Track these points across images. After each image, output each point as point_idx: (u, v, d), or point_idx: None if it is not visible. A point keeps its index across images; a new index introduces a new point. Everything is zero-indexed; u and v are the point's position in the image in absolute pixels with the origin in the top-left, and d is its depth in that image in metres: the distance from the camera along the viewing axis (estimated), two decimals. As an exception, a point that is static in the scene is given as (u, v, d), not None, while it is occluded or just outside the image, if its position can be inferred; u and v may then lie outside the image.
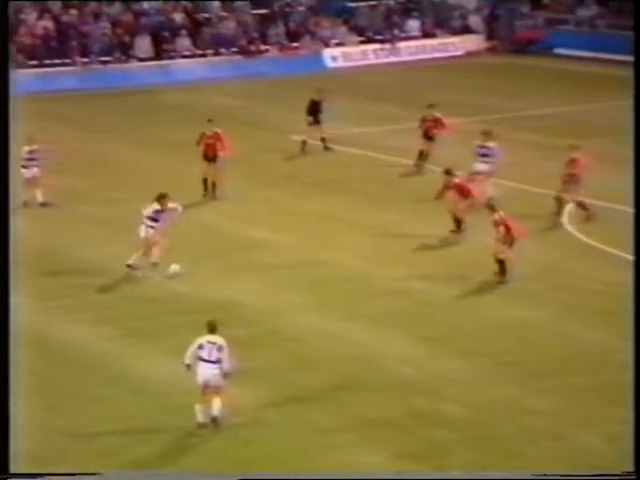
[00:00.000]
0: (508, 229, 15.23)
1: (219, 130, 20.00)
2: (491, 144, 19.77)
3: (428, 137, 21.62)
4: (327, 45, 36.80)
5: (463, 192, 17.06)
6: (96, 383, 12.18)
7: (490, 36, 39.66)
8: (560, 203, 18.55)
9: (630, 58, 38.28)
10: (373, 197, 19.85)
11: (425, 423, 11.17)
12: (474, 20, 40.09)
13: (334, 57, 36.58)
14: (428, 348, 13.10)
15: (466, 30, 39.52)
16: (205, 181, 19.96)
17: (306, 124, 23.41)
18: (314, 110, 23.38)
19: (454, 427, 11.07)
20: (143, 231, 15.62)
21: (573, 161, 18.52)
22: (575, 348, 13.13)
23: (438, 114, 21.83)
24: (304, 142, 23.58)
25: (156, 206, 15.61)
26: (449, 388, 11.98)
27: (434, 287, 15.16)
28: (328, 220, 18.49)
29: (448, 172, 17.80)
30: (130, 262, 15.56)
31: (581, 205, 18.46)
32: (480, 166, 19.35)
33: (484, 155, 19.65)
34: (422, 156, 21.61)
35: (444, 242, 16.91)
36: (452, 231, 17.18)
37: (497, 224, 15.31)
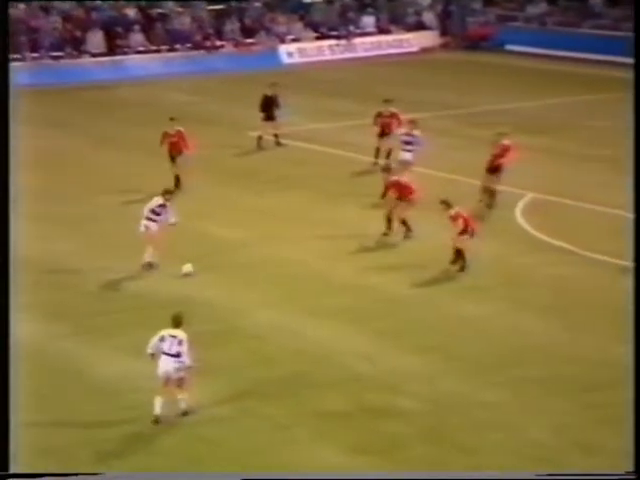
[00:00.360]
0: (466, 222, 15.48)
1: (181, 128, 20.06)
2: (416, 132, 19.95)
3: (385, 134, 21.41)
4: (283, 41, 36.84)
5: (402, 190, 16.83)
6: (49, 380, 12.10)
7: (443, 32, 40.08)
8: (491, 193, 18.62)
9: (579, 55, 39.07)
10: (330, 193, 19.93)
11: (380, 418, 11.28)
12: (428, 17, 40.47)
13: (290, 53, 36.64)
14: (384, 343, 13.21)
15: (420, 26, 39.88)
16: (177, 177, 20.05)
17: (260, 120, 23.39)
18: (268, 105, 23.33)
19: (409, 421, 11.21)
20: (143, 226, 15.56)
21: (504, 149, 18.64)
22: (527, 341, 13.32)
23: (394, 109, 21.81)
24: (260, 138, 23.59)
25: (160, 200, 15.63)
26: (404, 383, 12.10)
27: (391, 283, 15.28)
28: (286, 217, 18.54)
29: (385, 169, 17.85)
30: (148, 260, 15.47)
31: (492, 194, 18.60)
32: (405, 155, 19.48)
33: (408, 143, 19.81)
34: (380, 152, 21.36)
35: (398, 238, 17.03)
36: (384, 234, 16.91)
37: (455, 219, 15.52)
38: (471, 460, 10.40)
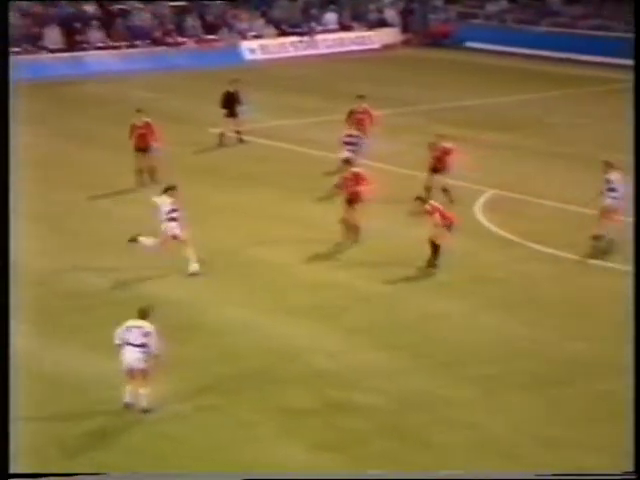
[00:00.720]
0: (443, 215, 15.44)
1: (149, 120, 19.98)
2: (355, 132, 20.05)
3: (357, 130, 20.87)
4: (245, 38, 36.72)
5: (359, 181, 16.58)
6: (21, 379, 11.91)
7: (405, 30, 40.27)
8: (444, 191, 18.56)
9: (538, 52, 39.60)
10: (294, 190, 19.84)
11: (346, 415, 11.26)
12: (390, 14, 40.63)
13: (252, 49, 36.54)
14: (351, 340, 13.19)
15: (382, 24, 40.01)
16: (140, 172, 19.88)
17: (223, 116, 23.24)
18: (230, 102, 23.18)
19: (374, 418, 11.18)
20: (163, 227, 15.18)
21: (444, 151, 18.62)
22: (493, 338, 13.32)
23: (366, 105, 21.61)
24: (222, 135, 23.48)
25: (169, 199, 15.26)
26: (370, 380, 12.08)
27: (355, 280, 15.25)
28: (251, 214, 18.43)
29: (346, 161, 17.67)
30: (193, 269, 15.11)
31: (445, 191, 18.60)
32: (345, 154, 19.51)
33: (349, 144, 19.85)
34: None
35: (366, 235, 16.96)
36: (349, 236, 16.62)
37: (431, 213, 15.48)
38: (436, 457, 10.39)
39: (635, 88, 9.62)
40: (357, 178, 16.81)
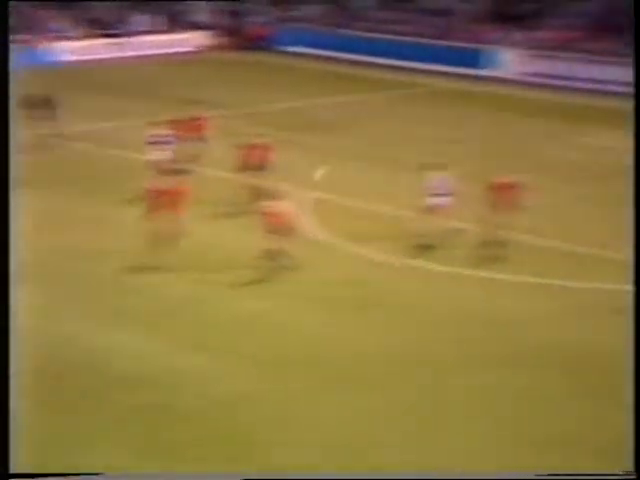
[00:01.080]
0: (278, 219, 15.08)
1: None
2: (165, 131, 20.09)
3: (198, 138, 20.85)
4: (55, 39, 35.57)
5: (169, 188, 16.01)
6: None
7: (222, 32, 40.39)
8: (258, 192, 18.27)
9: (348, 55, 40.72)
10: (109, 193, 19.40)
11: (164, 419, 11.12)
12: (206, 16, 40.63)
13: (64, 51, 35.48)
14: (167, 344, 13.03)
15: (199, 26, 39.94)
16: None
17: (35, 119, 22.63)
18: (40, 105, 22.69)
19: (194, 421, 11.09)
20: None
21: (259, 150, 18.79)
22: (310, 338, 13.42)
23: (202, 112, 21.63)
24: (37, 138, 22.75)
25: None
26: (188, 383, 11.98)
27: (175, 283, 15.08)
28: (62, 219, 17.91)
29: (167, 172, 17.66)
30: None
31: (257, 190, 18.59)
32: (152, 155, 19.61)
33: (157, 143, 19.89)
34: (193, 158, 20.72)
35: (187, 239, 16.41)
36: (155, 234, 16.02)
37: (266, 215, 15.18)
38: (266, 456, 10.42)
39: (635, 111, 9.86)
40: (167, 185, 16.31)
